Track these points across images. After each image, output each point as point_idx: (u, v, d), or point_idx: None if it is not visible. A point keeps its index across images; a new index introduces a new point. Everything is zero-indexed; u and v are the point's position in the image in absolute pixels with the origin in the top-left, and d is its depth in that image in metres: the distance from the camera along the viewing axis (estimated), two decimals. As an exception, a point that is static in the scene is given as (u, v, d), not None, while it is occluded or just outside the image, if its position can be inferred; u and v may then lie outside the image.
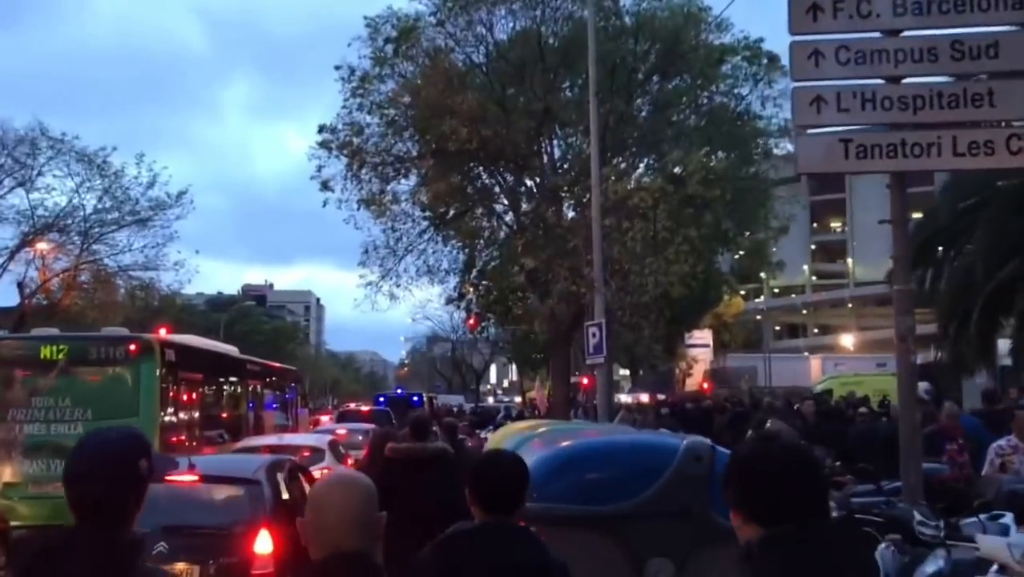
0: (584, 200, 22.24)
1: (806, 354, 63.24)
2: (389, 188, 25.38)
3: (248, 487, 8.19)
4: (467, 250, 28.52)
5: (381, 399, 32.37)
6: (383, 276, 26.81)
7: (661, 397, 49.97)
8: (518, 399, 58.96)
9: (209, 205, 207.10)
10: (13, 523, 11.83)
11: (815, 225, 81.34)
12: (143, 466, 2.56)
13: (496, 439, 9.19)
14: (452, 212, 26.08)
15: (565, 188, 22.02)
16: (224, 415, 18.19)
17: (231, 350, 20.80)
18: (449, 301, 31.65)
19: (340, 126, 24.35)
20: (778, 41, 24.30)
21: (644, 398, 46.64)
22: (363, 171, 24.84)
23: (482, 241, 27.96)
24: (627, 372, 56.40)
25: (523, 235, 24.51)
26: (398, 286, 27.04)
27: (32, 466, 12.80)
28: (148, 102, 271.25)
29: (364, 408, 29.35)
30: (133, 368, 13.31)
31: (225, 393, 18.91)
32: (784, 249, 46.36)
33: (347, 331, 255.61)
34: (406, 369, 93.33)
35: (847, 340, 70.42)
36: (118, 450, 2.54)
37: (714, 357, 58.31)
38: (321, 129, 23.89)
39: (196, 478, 7.90)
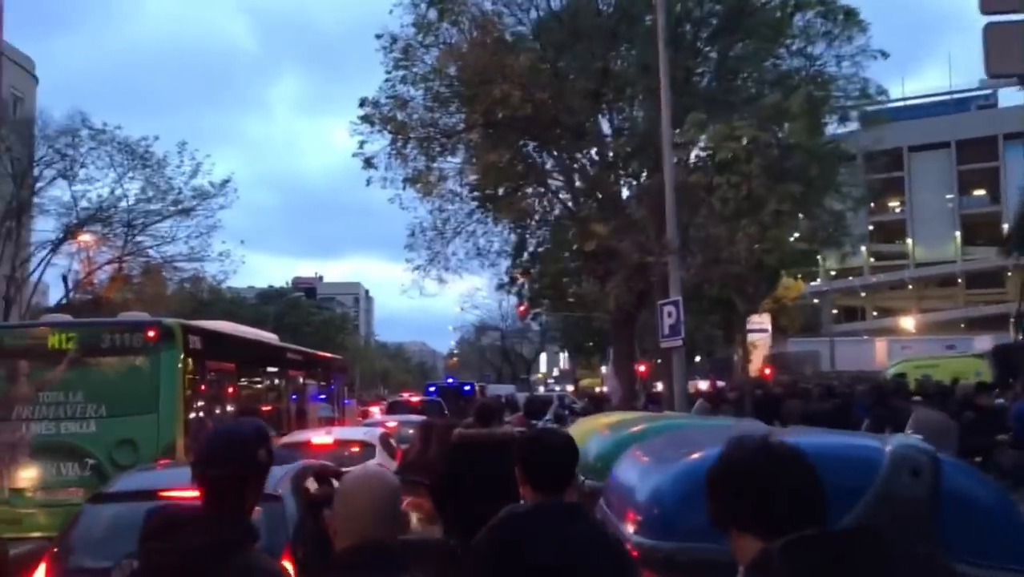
0: (645, 172, 20.18)
1: (867, 337, 60.43)
2: (435, 165, 23.55)
3: (268, 505, 6.35)
4: (518, 232, 26.60)
5: (432, 389, 30.59)
6: (431, 260, 25.08)
7: (721, 384, 47.83)
8: (570, 388, 56.98)
9: (259, 201, 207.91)
10: (21, 535, 10.35)
11: (872, 205, 78.18)
12: (262, 455, 2.79)
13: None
14: (502, 191, 24.18)
15: (625, 157, 19.85)
16: (263, 409, 16.44)
17: (269, 337, 19.01)
18: (500, 287, 29.83)
19: (383, 100, 22.57)
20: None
21: (703, 385, 44.52)
22: (408, 147, 23.04)
23: (534, 222, 26.01)
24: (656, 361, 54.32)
25: (581, 211, 22.55)
26: (447, 270, 25.30)
27: (41, 469, 11.15)
28: (199, 101, 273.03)
29: (415, 399, 27.54)
30: (152, 357, 11.50)
31: (263, 385, 17.15)
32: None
33: (396, 322, 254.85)
34: (455, 359, 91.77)
35: (908, 323, 67.58)
36: (241, 439, 2.79)
37: (773, 342, 55.90)
38: (363, 103, 22.09)
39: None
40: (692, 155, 16.93)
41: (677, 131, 16.00)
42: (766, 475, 2.13)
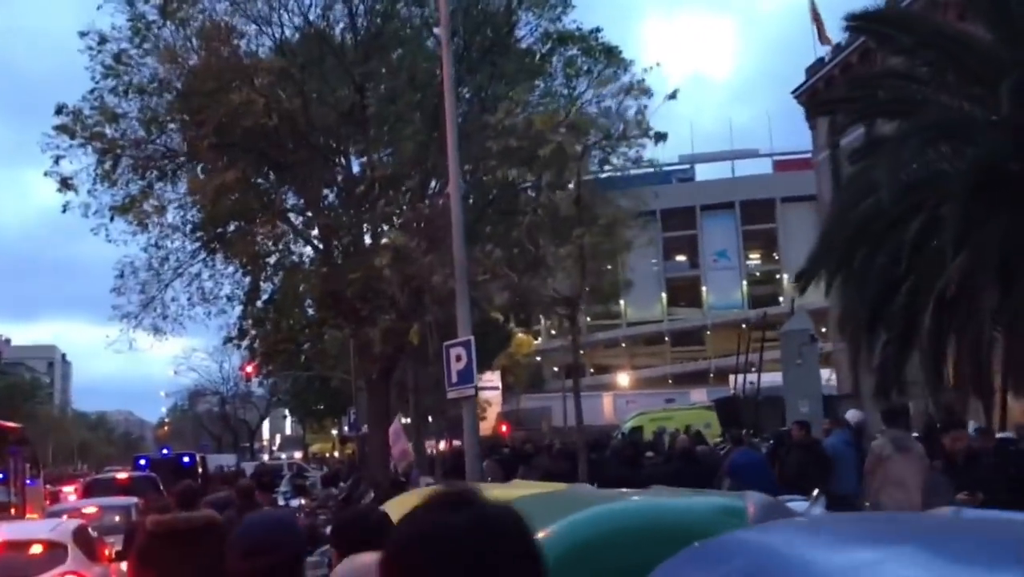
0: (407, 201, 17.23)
1: (596, 393, 61.05)
2: (155, 192, 19.26)
3: None
4: (252, 275, 22.60)
5: (142, 461, 25.28)
6: (144, 306, 20.47)
7: (457, 443, 45.44)
8: (298, 454, 52.17)
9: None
10: None
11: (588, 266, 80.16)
12: None
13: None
14: (233, 227, 20.30)
15: (383, 184, 16.62)
16: None
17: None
18: (228, 340, 25.42)
19: (88, 111, 18.12)
20: (617, 32, 20.57)
21: (442, 446, 41.86)
22: (119, 169, 18.68)
23: (270, 265, 22.15)
24: (407, 420, 51.54)
25: (326, 259, 19.25)
26: (164, 318, 20.79)
27: None
28: None
29: (121, 475, 22.25)
30: None
31: None
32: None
33: (100, 391, 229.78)
34: (166, 428, 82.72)
35: (623, 379, 69.59)
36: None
37: (503, 399, 54.66)
38: (60, 110, 17.53)
39: None
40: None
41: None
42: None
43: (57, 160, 17.54)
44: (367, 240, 18.83)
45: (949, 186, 11.56)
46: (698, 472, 12.38)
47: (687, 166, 76.08)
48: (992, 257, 11.20)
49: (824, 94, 32.16)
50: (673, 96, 14.88)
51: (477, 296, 14.42)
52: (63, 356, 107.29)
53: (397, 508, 5.68)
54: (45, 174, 17.68)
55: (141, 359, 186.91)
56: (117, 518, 12.85)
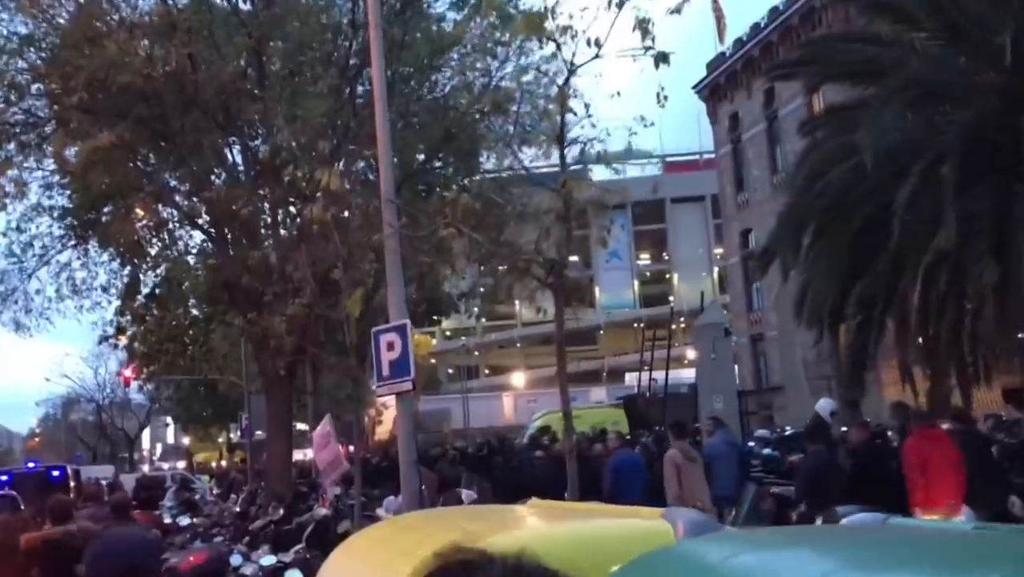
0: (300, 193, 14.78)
1: (495, 393, 59.42)
2: (13, 168, 16.29)
3: None
4: (131, 266, 19.77)
5: (3, 477, 21.89)
6: (4, 299, 17.48)
7: (351, 448, 42.89)
8: (181, 464, 48.41)
9: None
10: None
11: (482, 268, 78.63)
12: None
13: None
14: (108, 210, 17.53)
15: (293, 156, 14.17)
16: None
17: None
18: (104, 339, 22.35)
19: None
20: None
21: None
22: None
23: (151, 256, 19.38)
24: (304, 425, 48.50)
25: (219, 245, 16.77)
26: (27, 313, 17.81)
27: None
28: None
29: None
30: None
31: None
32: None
33: None
34: (37, 439, 76.44)
35: (518, 379, 68.42)
36: None
37: (399, 403, 52.27)
38: None
39: None
40: None
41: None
42: None
43: None
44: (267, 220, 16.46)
45: (940, 149, 10.19)
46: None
47: (580, 166, 75.38)
48: (987, 224, 9.87)
49: (771, 60, 30.95)
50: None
51: (430, 260, 12.34)
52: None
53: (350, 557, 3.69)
54: None
55: (9, 367, 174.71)
56: None
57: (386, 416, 46.97)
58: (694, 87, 40.28)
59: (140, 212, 17.42)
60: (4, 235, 17.20)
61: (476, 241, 9.90)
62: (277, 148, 13.20)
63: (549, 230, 8.48)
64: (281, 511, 12.72)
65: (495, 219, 14.73)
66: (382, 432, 46.05)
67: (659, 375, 38.29)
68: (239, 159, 17.35)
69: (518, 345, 74.31)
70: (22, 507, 14.53)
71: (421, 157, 19.70)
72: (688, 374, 44.74)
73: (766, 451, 17.54)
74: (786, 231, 12.35)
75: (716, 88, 39.41)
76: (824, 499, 8.04)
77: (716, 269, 69.74)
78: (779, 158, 36.53)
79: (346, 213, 10.56)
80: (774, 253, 12.90)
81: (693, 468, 10.36)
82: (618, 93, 10.20)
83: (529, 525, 3.15)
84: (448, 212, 8.24)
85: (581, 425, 26.05)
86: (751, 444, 21.22)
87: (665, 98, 8.94)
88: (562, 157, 8.40)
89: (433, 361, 70.09)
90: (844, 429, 12.71)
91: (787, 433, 21.25)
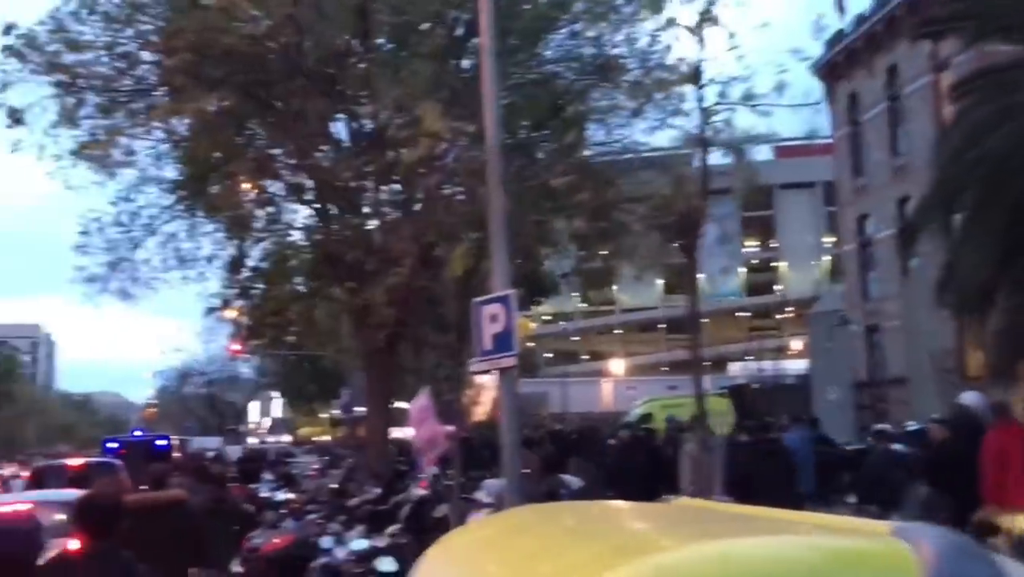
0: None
1: (595, 379, 58.45)
2: (123, 136, 16.18)
3: None
4: (237, 240, 19.63)
5: (113, 445, 22.21)
6: (113, 266, 17.49)
7: (450, 429, 42.62)
8: (287, 438, 49.17)
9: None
10: None
11: (583, 253, 77.51)
12: None
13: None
14: (214, 180, 17.32)
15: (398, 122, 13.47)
16: None
17: None
18: (210, 311, 22.39)
19: (44, 36, 15.08)
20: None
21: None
22: (83, 108, 15.67)
23: (255, 228, 19.15)
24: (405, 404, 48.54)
25: (323, 219, 16.35)
26: (135, 282, 17.80)
27: None
28: None
29: (75, 461, 19.04)
30: None
31: None
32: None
33: (88, 372, 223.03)
34: (153, 410, 79.28)
35: (617, 365, 67.25)
36: None
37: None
38: (8, 30, 14.45)
39: None
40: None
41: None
42: None
43: (4, 87, 14.50)
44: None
45: None
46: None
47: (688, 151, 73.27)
48: None
49: (895, 35, 28.87)
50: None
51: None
52: (48, 336, 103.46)
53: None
54: (-11, 107, 14.64)
55: (131, 340, 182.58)
56: (57, 516, 9.90)
57: (484, 397, 46.65)
58: (811, 66, 38.16)
59: (246, 185, 17.18)
60: (113, 204, 17.20)
61: (599, 190, 8.99)
62: (380, 114, 12.57)
63: (683, 178, 7.53)
64: (378, 490, 12.18)
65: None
66: (480, 413, 45.72)
67: (766, 365, 36.62)
68: (343, 131, 16.92)
69: (617, 331, 72.98)
70: (122, 475, 14.42)
71: (523, 134, 18.89)
72: (796, 365, 42.86)
73: (897, 446, 16.04)
74: (933, 205, 11.03)
75: (834, 67, 37.25)
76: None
77: (827, 258, 66.93)
78: (901, 140, 34.29)
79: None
80: (917, 231, 11.57)
81: (711, 459, 10.63)
82: (765, 25, 9.19)
83: (705, 538, 2.22)
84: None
85: (684, 414, 24.99)
86: (869, 439, 19.73)
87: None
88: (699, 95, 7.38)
89: (531, 345, 69.55)
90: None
91: (911, 428, 19.73)
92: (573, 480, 10.81)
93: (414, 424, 8.64)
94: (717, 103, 7.60)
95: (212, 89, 13.63)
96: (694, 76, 7.72)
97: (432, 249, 11.86)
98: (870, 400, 30.89)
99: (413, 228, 11.35)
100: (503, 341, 8.50)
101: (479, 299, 8.82)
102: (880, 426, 24.81)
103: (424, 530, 10.46)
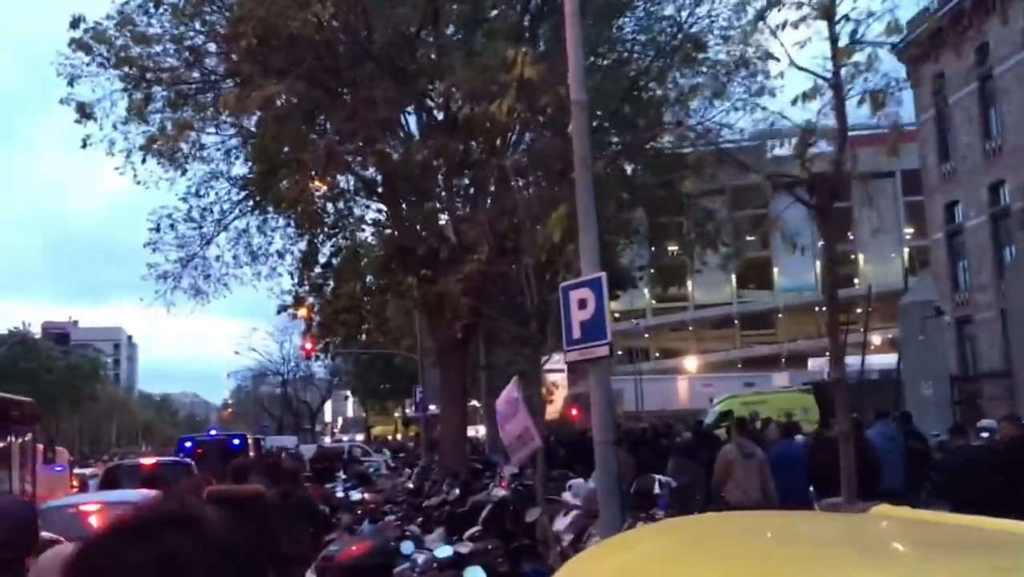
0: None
1: (669, 376, 57.18)
2: (192, 131, 15.83)
3: None
4: (308, 235, 19.20)
5: (188, 444, 22.02)
6: (185, 263, 17.20)
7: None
8: (360, 437, 49.10)
9: (15, 243, 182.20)
10: None
11: (653, 249, 76.14)
12: None
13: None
14: (284, 174, 16.89)
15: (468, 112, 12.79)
16: None
17: None
18: (282, 309, 22.05)
19: (111, 28, 14.79)
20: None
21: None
22: (151, 103, 15.36)
23: (326, 224, 18.69)
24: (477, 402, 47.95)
25: (394, 211, 15.75)
26: (206, 279, 17.48)
27: None
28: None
29: (148, 460, 18.74)
30: None
31: None
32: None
33: (166, 373, 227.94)
34: (230, 410, 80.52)
35: (690, 363, 65.76)
36: None
37: (568, 382, 50.94)
38: (76, 23, 14.19)
39: None
40: None
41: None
42: None
43: (72, 81, 14.23)
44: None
45: None
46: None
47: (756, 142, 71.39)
48: None
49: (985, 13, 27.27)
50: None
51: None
52: (129, 338, 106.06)
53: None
54: (61, 101, 14.41)
55: (208, 341, 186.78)
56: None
57: (556, 396, 45.80)
58: (892, 48, 36.45)
59: (317, 183, 16.68)
60: (184, 200, 16.91)
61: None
62: (452, 97, 11.85)
63: (813, 133, 6.63)
64: (457, 491, 11.50)
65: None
66: (552, 411, 44.90)
67: (849, 360, 35.06)
68: (412, 122, 16.32)
69: (690, 328, 71.41)
70: (195, 473, 14.01)
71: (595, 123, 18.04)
72: (880, 360, 41.02)
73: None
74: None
75: (918, 47, 35.45)
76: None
77: (906, 250, 64.38)
78: (994, 122, 32.40)
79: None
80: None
81: (748, 464, 10.30)
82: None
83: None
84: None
85: (767, 410, 23.91)
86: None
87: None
88: (832, 34, 6.48)
89: (603, 342, 68.36)
90: None
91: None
92: (666, 481, 9.95)
93: (503, 419, 7.88)
94: (853, 41, 6.68)
95: (280, 78, 13.09)
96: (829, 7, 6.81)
97: (507, 237, 11.13)
98: (962, 396, 29.21)
99: (487, 216, 10.61)
100: (593, 328, 7.69)
101: (566, 283, 8.02)
102: (985, 422, 23.31)
103: (508, 534, 9.72)
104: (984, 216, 32.38)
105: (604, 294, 7.71)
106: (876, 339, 52.32)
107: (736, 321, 70.59)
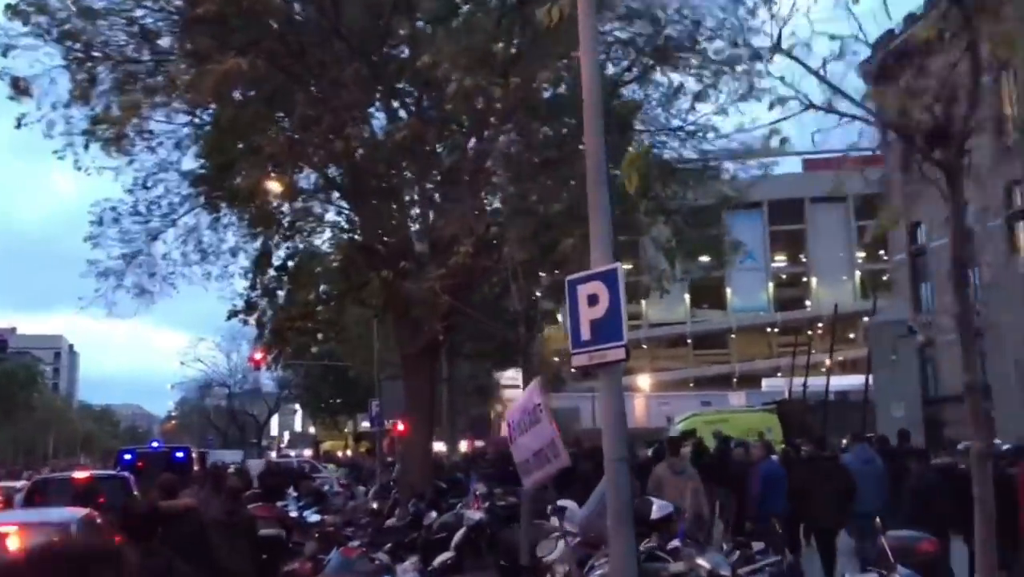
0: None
1: (628, 393, 56.33)
2: (140, 116, 14.38)
3: None
4: (263, 236, 17.79)
5: (128, 456, 20.35)
6: (128, 260, 15.70)
7: (480, 444, 40.74)
8: (308, 452, 47.26)
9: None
10: None
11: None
12: None
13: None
14: (239, 167, 15.53)
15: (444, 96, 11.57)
16: None
17: None
18: (233, 315, 20.49)
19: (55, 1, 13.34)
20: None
21: (463, 447, 37.23)
22: (97, 84, 13.94)
23: (282, 227, 17.34)
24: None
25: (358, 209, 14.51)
26: (151, 277, 15.99)
27: None
28: None
29: (80, 474, 17.00)
30: None
31: None
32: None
33: (109, 384, 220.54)
34: (173, 422, 77.64)
35: (643, 381, 65.23)
36: None
37: (525, 399, 49.90)
38: (11, -9, 12.69)
39: None
40: None
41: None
42: None
43: (6, 52, 12.73)
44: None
45: None
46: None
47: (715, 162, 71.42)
48: None
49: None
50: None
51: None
52: (71, 347, 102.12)
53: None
54: (-9, 77, 12.88)
55: (152, 352, 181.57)
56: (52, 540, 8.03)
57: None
58: (862, 63, 36.24)
59: (275, 182, 15.32)
60: (131, 192, 15.44)
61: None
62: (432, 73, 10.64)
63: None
64: (434, 513, 10.29)
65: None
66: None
67: (801, 380, 34.57)
68: (383, 118, 15.10)
69: (644, 346, 70.86)
70: (134, 491, 12.58)
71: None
72: (837, 382, 40.58)
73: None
74: None
75: (884, 70, 35.30)
76: None
77: (858, 273, 64.60)
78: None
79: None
80: None
81: (678, 480, 10.70)
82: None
83: None
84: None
85: (730, 430, 23.11)
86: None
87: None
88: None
89: (557, 359, 67.49)
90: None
91: (1005, 448, 17.69)
92: (663, 505, 8.85)
93: (517, 431, 6.66)
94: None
95: (238, 55, 11.80)
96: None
97: (487, 230, 10.00)
98: (925, 417, 28.74)
99: (469, 206, 9.49)
100: (607, 328, 6.53)
101: (573, 276, 6.87)
102: (965, 444, 22.66)
103: (487, 566, 8.52)
104: (945, 238, 32.16)
105: (620, 288, 6.56)
106: (827, 360, 52.26)
107: (689, 340, 70.22)
